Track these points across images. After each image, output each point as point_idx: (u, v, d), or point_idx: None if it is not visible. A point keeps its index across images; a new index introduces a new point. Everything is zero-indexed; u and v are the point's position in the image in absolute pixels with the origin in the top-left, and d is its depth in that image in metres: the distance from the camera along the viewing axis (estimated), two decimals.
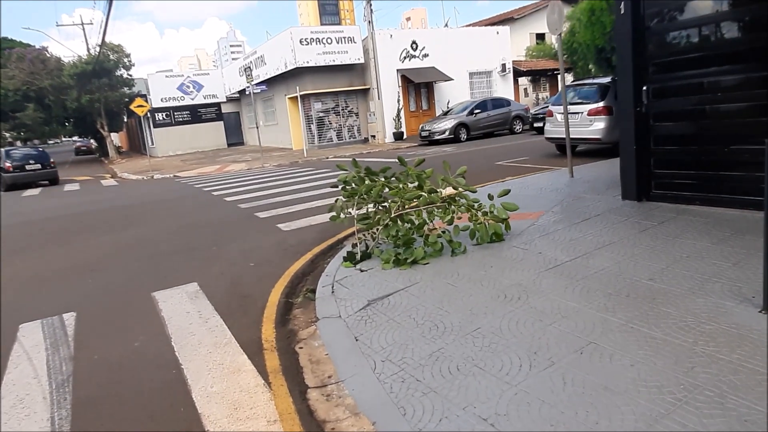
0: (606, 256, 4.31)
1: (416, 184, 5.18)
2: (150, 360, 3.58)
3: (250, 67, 22.87)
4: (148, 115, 30.24)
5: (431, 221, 5.15)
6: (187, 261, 5.95)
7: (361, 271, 4.75)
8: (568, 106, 10.22)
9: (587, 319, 3.26)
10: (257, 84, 18.28)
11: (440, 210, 5.07)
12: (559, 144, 11.52)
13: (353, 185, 5.34)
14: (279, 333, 3.87)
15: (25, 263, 6.61)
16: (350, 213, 5.31)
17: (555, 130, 10.94)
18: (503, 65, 25.11)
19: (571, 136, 9.20)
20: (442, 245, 4.87)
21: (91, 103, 29.22)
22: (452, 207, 5.05)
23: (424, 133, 19.44)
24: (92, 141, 41.08)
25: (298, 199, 9.31)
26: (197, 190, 12.53)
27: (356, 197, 5.36)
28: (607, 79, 10.34)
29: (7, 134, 60.18)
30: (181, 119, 30.32)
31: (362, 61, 21.95)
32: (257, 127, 19.14)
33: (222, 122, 31.57)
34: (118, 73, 30.61)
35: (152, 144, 31.02)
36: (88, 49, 30.20)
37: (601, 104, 10.00)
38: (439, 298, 3.89)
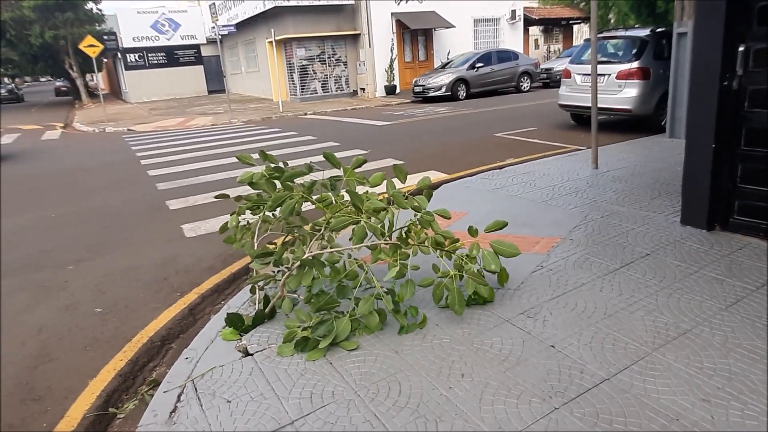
0: (693, 367, 2.29)
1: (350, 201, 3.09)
2: None
3: (214, 4, 20.01)
4: (119, 56, 27.49)
5: (369, 266, 3.11)
6: (14, 293, 3.94)
7: (246, 354, 2.76)
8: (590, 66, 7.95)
9: None
10: (225, 26, 15.67)
11: (388, 249, 3.02)
12: (575, 113, 9.29)
13: (260, 192, 3.28)
14: None
15: None
16: (252, 227, 3.29)
17: (572, 95, 8.67)
18: (513, 12, 22.26)
19: (590, 105, 7.06)
20: (386, 316, 2.85)
21: (56, 40, 26.34)
22: (403, 248, 2.98)
23: (417, 89, 16.99)
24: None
25: (236, 178, 7.19)
26: (131, 154, 10.29)
27: (261, 212, 3.31)
28: (644, 32, 7.98)
29: None
30: (155, 62, 27.48)
31: (352, 1, 19.18)
32: (224, 77, 16.73)
33: (202, 66, 28.73)
34: (88, 7, 27.55)
35: (126, 88, 28.40)
36: None
37: (635, 65, 7.71)
38: None
